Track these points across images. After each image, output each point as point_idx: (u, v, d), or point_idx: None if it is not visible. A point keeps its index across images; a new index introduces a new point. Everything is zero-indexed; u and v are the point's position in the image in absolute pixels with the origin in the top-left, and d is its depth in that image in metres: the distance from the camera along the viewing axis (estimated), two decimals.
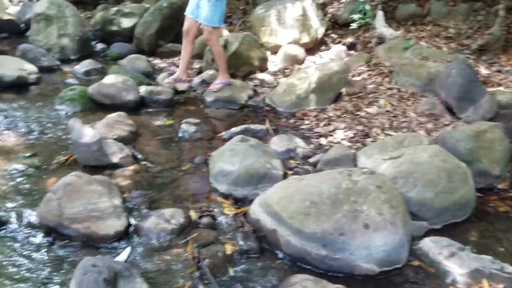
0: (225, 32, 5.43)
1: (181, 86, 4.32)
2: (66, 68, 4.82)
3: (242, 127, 3.55)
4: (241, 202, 2.66)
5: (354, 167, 2.84)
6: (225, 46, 4.62)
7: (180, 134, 3.48)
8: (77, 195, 2.32)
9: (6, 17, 5.70)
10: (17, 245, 2.16)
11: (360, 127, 3.61)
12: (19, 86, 4.08)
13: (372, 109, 3.92)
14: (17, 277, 1.96)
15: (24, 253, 2.11)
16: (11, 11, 6.29)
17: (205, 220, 2.47)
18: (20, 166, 2.82)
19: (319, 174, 2.48)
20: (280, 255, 2.24)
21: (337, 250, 2.11)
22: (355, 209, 2.17)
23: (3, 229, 2.25)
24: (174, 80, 4.25)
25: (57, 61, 4.81)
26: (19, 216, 2.36)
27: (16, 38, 5.72)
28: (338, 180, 2.25)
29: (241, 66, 4.71)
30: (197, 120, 3.66)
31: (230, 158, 2.81)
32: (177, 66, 4.98)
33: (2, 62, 4.17)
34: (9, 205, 2.44)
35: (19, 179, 2.69)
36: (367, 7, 5.43)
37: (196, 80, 4.55)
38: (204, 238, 2.31)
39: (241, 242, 2.29)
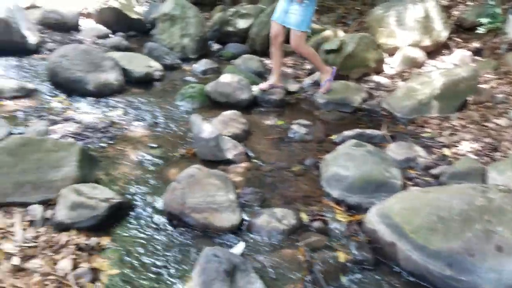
0: (340, 33, 5.33)
1: (292, 87, 4.33)
2: (186, 67, 5.13)
3: (356, 131, 3.43)
4: (355, 209, 2.57)
5: (483, 183, 2.58)
6: (340, 47, 4.53)
7: (290, 135, 3.49)
8: (198, 186, 2.43)
9: (134, 16, 6.25)
10: (143, 226, 2.33)
11: (488, 140, 3.28)
12: (145, 82, 4.44)
13: (502, 121, 3.54)
14: (141, 256, 2.11)
15: (149, 234, 2.27)
16: (138, 10, 6.88)
17: (316, 224, 2.43)
18: (146, 156, 3.05)
19: (448, 187, 2.29)
20: (397, 269, 2.11)
21: (463, 271, 1.92)
22: (488, 229, 1.95)
23: (131, 212, 2.44)
24: (269, 86, 4.20)
25: (178, 59, 5.14)
26: (145, 201, 2.55)
27: (142, 36, 6.27)
28: (471, 197, 2.05)
29: (355, 67, 4.58)
30: (308, 122, 3.63)
31: (345, 163, 2.73)
32: (288, 67, 5.02)
33: (133, 59, 4.57)
34: (137, 190, 2.65)
35: (145, 168, 2.91)
36: (498, 10, 4.94)
37: (307, 81, 4.53)
38: (315, 242, 2.28)
39: (354, 252, 2.21)
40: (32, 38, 4.84)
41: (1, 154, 2.38)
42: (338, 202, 2.62)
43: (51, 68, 3.98)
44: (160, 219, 2.41)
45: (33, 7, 6.04)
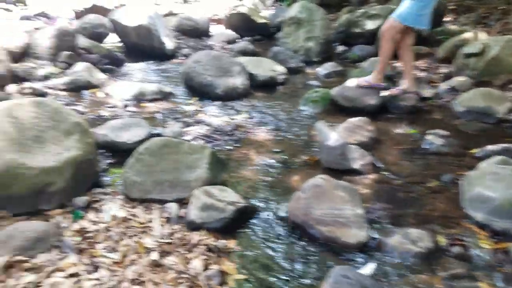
0: (481, 36, 4.78)
1: (426, 93, 3.99)
2: (309, 70, 5.09)
3: (501, 146, 3.02)
4: (501, 236, 2.24)
5: None
6: (482, 51, 4.05)
7: (424, 146, 3.21)
8: (324, 197, 2.35)
9: (260, 20, 6.41)
10: (267, 233, 2.33)
11: None
12: (269, 85, 4.50)
13: None
14: (264, 264, 2.10)
15: (273, 242, 2.26)
16: (264, 14, 7.05)
17: (456, 249, 2.17)
18: (269, 160, 3.07)
19: None
20: None
21: None
22: None
23: (255, 217, 2.46)
24: (400, 92, 3.89)
25: (301, 63, 5.12)
26: (269, 207, 2.54)
27: (267, 40, 6.40)
28: None
29: (499, 73, 4.06)
30: (445, 132, 3.30)
31: (491, 183, 2.39)
32: (421, 70, 4.66)
33: (259, 63, 4.67)
34: (261, 195, 2.66)
35: (268, 172, 2.92)
36: None
37: (443, 86, 4.14)
38: (454, 270, 2.03)
39: (500, 284, 1.92)
40: (169, 44, 5.25)
41: (144, 154, 2.59)
42: (482, 226, 2.31)
43: (186, 73, 4.26)
44: (283, 228, 2.38)
45: (170, 14, 6.59)
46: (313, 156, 3.09)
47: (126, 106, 3.86)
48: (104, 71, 4.64)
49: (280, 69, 4.65)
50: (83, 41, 4.68)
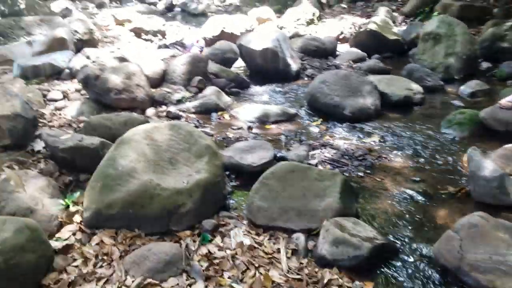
0: None
1: None
2: (449, 88, 4.56)
3: None
4: None
5: None
6: None
7: None
8: (482, 240, 1.95)
9: (391, 37, 6.02)
10: (411, 277, 2.01)
11: None
12: (404, 106, 4.11)
13: None
14: None
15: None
16: (396, 30, 6.62)
17: None
18: (407, 191, 2.72)
19: None
20: None
21: None
22: None
23: (396, 256, 2.14)
24: None
25: (440, 81, 4.61)
26: (411, 246, 2.21)
27: (398, 57, 5.97)
28: None
29: None
30: None
31: None
32: None
33: (392, 81, 4.31)
34: (399, 231, 2.34)
35: (407, 205, 2.58)
36: None
37: None
38: None
39: None
40: (294, 65, 5.19)
41: (271, 179, 2.47)
42: None
43: (311, 94, 4.12)
44: (429, 271, 2.03)
45: (296, 35, 6.56)
46: (462, 187, 2.65)
47: (250, 128, 3.85)
48: (231, 94, 4.75)
49: (416, 87, 4.23)
50: (212, 67, 4.88)
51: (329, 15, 8.64)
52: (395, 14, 7.96)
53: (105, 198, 2.25)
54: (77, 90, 4.31)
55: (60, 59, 4.71)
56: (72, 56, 4.89)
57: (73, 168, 2.76)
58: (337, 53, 6.12)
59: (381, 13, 7.56)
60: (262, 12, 8.34)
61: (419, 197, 2.64)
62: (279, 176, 2.47)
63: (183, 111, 4.29)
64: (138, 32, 8.00)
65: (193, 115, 4.24)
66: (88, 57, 4.89)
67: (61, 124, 3.58)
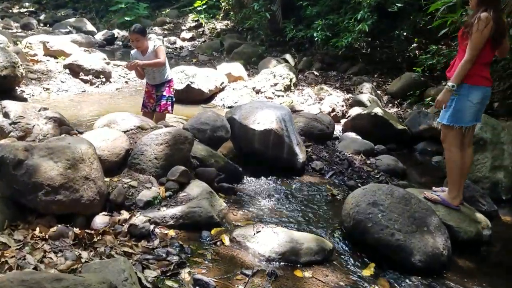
0: None
1: None
2: (504, 216, 3.54)
3: None
4: None
5: None
6: None
7: None
8: None
9: (399, 126, 5.04)
10: None
11: None
12: (473, 246, 2.96)
13: None
14: None
15: None
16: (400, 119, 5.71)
17: None
18: None
19: None
20: None
21: None
22: None
23: None
24: None
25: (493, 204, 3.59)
26: None
27: (406, 152, 5.00)
28: None
29: None
30: None
31: None
32: None
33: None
34: None
35: None
36: None
37: None
38: None
39: None
40: (301, 155, 3.90)
41: None
42: None
43: (356, 219, 2.80)
44: None
45: (293, 111, 5.29)
46: None
47: (273, 274, 2.40)
48: (220, 191, 3.31)
49: (483, 219, 3.12)
50: (197, 148, 3.40)
51: (303, 82, 7.62)
52: (379, 92, 7.14)
53: None
54: None
55: None
56: None
57: None
58: (340, 137, 4.98)
59: (366, 90, 6.68)
60: (232, 68, 7.08)
61: None
62: None
63: (156, 223, 2.76)
64: (75, 71, 6.26)
65: (171, 232, 2.73)
66: (6, 115, 3.16)
67: None
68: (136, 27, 4.02)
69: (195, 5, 13.16)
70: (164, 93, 4.23)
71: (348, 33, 7.91)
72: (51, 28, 11.24)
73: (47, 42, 6.88)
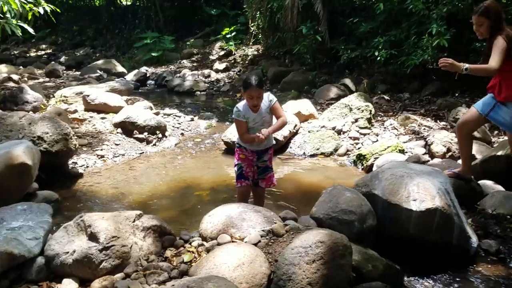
0: None
1: None
2: None
3: None
4: None
5: None
6: None
7: None
8: None
9: None
10: None
11: None
12: None
13: None
14: None
15: None
16: None
17: None
18: None
19: None
20: None
21: None
22: None
23: None
24: None
25: None
26: None
27: None
28: None
29: None
30: None
31: None
32: None
33: None
34: None
35: None
36: None
37: None
38: None
39: None
40: (474, 237, 2.87)
41: None
42: None
43: None
44: None
45: (415, 159, 4.24)
46: None
47: None
48: None
49: None
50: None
51: (378, 110, 6.59)
52: None
53: None
54: None
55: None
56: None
57: None
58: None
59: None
60: (301, 105, 6.09)
61: None
62: None
63: None
64: (128, 129, 5.35)
65: None
66: (93, 237, 2.20)
67: None
68: (257, 79, 2.93)
69: (223, 32, 12.35)
70: (268, 163, 3.27)
71: (420, 50, 6.95)
72: (79, 73, 10.45)
73: (87, 96, 6.00)
